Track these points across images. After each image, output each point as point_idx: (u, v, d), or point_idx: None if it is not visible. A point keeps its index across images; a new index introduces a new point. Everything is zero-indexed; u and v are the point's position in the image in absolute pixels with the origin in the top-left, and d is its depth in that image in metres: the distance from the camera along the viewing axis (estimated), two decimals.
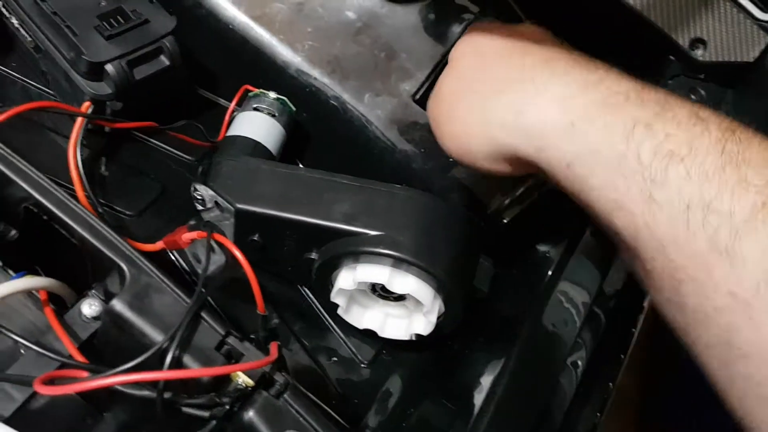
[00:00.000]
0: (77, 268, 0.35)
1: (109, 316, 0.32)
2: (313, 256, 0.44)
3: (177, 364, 0.30)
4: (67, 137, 0.47)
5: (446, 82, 0.45)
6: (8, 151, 0.34)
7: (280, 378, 0.33)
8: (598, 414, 0.45)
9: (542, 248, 0.50)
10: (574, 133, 0.35)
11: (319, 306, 0.47)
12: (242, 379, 0.32)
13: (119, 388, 0.30)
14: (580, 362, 0.45)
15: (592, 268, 0.47)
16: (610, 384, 0.47)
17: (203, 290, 0.33)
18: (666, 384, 0.74)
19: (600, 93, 0.36)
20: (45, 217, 0.34)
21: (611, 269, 0.48)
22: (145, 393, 0.30)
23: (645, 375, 0.73)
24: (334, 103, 0.53)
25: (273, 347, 0.33)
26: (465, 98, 0.42)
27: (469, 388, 0.46)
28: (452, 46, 0.53)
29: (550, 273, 0.48)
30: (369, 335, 0.46)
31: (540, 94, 0.37)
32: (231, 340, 0.32)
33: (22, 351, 0.40)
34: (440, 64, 0.53)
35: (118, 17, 0.46)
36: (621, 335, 0.49)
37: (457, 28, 0.54)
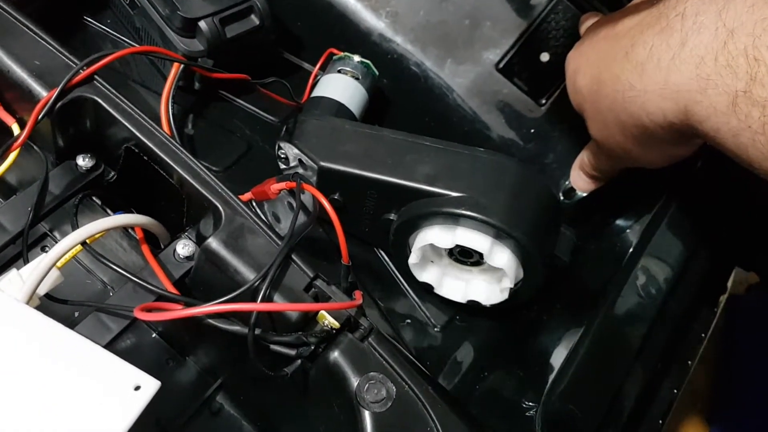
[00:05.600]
0: (172, 211, 0.37)
1: (204, 253, 0.33)
2: (392, 217, 0.44)
3: (268, 301, 0.31)
4: (155, 92, 0.49)
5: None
6: (114, 92, 0.35)
7: (364, 322, 0.33)
8: (675, 391, 0.44)
9: (626, 222, 0.49)
10: None
11: (394, 269, 0.48)
12: (328, 321, 0.32)
13: (213, 322, 0.31)
14: (660, 338, 0.44)
15: (677, 244, 0.46)
16: (689, 362, 0.46)
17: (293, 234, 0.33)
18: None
19: None
20: (145, 158, 0.35)
21: (697, 247, 0.47)
22: (236, 328, 0.31)
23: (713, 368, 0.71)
24: (415, 70, 0.54)
25: (357, 294, 0.34)
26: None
27: (544, 358, 0.45)
28: (538, 15, 0.52)
29: (632, 248, 0.47)
30: (444, 300, 0.46)
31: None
32: (319, 282, 0.33)
33: (111, 293, 0.42)
34: (526, 33, 0.53)
35: None
36: (703, 314, 0.48)
37: None
